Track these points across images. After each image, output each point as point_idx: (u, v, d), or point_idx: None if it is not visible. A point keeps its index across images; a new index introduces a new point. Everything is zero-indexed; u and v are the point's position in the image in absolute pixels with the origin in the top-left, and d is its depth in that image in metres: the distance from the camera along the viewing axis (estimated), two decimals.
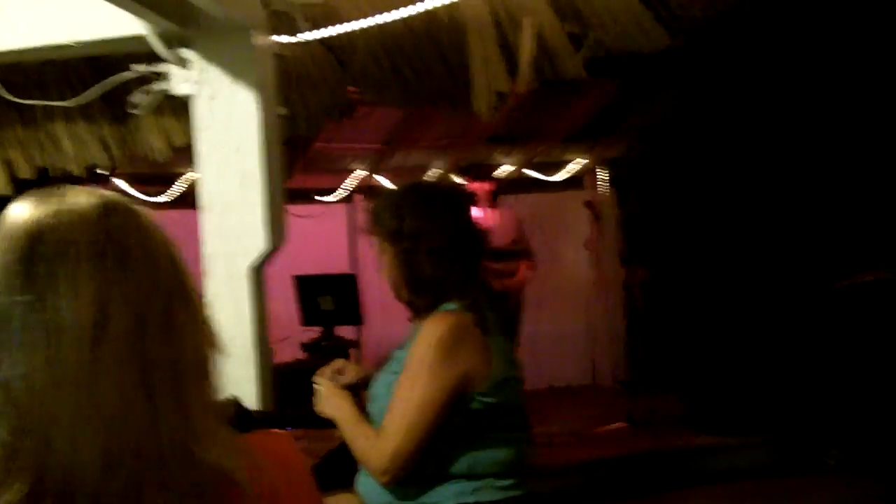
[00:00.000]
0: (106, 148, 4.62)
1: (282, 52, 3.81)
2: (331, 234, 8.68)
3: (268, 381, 3.62)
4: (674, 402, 7.10)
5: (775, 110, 7.06)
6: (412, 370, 2.46)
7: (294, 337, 7.12)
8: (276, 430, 1.25)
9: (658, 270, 8.38)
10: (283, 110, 3.81)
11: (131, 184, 7.09)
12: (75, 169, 4.65)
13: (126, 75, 3.63)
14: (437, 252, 2.54)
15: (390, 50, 4.28)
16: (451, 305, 2.53)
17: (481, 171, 7.50)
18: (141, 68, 3.57)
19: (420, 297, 2.60)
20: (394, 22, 3.97)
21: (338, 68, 4.35)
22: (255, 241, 3.53)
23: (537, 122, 8.46)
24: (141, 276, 1.08)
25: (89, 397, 1.02)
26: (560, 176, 9.33)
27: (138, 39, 3.45)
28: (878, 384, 6.25)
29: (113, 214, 1.11)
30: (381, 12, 3.95)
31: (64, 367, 1.02)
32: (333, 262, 8.30)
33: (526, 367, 7.45)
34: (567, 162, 9.34)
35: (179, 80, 3.51)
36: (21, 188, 4.52)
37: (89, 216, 1.09)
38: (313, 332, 7.22)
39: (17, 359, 1.02)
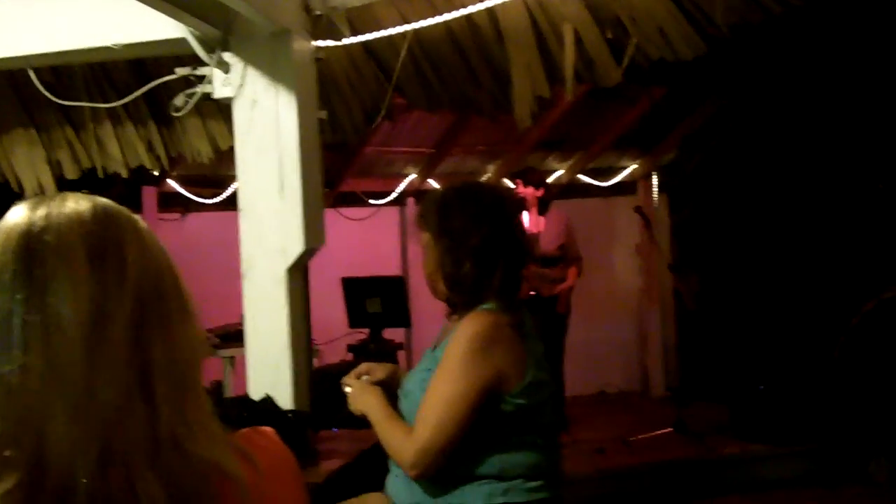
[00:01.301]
0: (152, 149, 4.68)
1: (323, 57, 3.83)
2: (383, 238, 8.72)
3: (304, 381, 3.64)
4: (723, 410, 7.03)
5: (822, 112, 6.98)
6: (446, 366, 2.49)
7: (342, 339, 7.16)
8: (266, 426, 1.28)
9: (709, 277, 8.31)
10: (322, 114, 3.83)
11: (183, 185, 7.15)
12: (122, 170, 4.71)
13: (169, 78, 3.68)
14: (479, 252, 2.57)
15: (431, 55, 4.30)
16: (489, 305, 2.56)
17: (532, 176, 7.45)
18: (184, 71, 3.61)
19: (458, 294, 2.63)
20: (434, 27, 3.99)
21: (378, 73, 4.37)
22: (293, 242, 3.54)
23: (588, 128, 8.44)
24: (138, 279, 1.11)
25: (87, 395, 1.04)
26: (612, 182, 9.29)
27: (180, 43, 3.50)
28: None
29: (109, 219, 1.13)
30: (422, 17, 3.97)
31: (61, 364, 1.04)
32: (385, 264, 8.32)
33: (576, 373, 7.35)
34: (619, 168, 9.29)
35: (220, 84, 3.55)
36: (67, 189, 4.62)
37: (86, 220, 1.11)
38: (362, 335, 7.23)
39: (16, 355, 1.04)
